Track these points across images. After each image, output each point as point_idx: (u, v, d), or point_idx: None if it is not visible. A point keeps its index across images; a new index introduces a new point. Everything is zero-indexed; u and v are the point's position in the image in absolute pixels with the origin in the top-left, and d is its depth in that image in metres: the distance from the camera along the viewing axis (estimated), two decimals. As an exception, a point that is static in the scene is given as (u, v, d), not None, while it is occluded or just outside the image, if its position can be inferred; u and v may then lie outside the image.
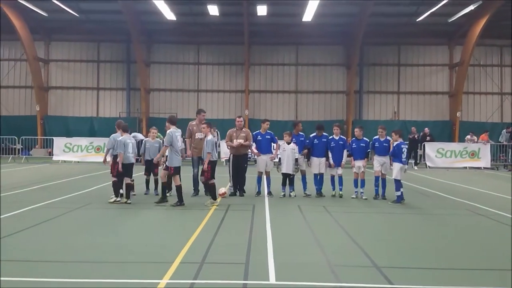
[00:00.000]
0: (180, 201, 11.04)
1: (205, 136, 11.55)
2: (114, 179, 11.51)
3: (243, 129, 13.19)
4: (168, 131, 11.27)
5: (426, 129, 26.78)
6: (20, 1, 27.63)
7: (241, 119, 13.38)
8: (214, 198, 11.29)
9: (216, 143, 11.93)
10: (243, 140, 12.87)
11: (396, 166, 12.07)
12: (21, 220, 9.12)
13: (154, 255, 6.70)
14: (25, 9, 29.40)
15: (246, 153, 13.38)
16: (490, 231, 8.99)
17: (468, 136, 27.13)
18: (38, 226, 8.62)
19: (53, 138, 27.53)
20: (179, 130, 11.59)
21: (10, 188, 13.81)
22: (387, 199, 12.47)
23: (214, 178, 11.46)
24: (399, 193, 11.98)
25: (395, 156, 12.14)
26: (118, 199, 11.44)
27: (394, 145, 12.21)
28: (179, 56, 34.81)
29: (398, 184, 12.00)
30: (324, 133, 13.14)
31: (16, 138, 27.85)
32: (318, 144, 13.00)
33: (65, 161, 25.31)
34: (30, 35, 31.69)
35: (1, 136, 28.94)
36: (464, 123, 32.60)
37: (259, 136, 13.16)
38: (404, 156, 12.11)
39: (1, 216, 9.37)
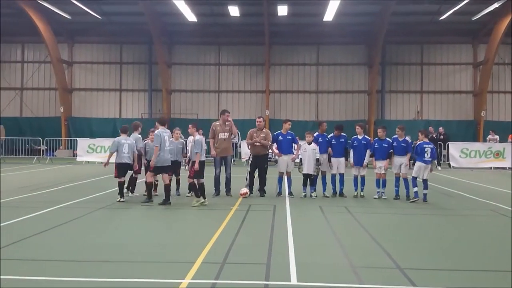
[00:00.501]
0: (149, 198, 11.42)
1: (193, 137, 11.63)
2: (119, 179, 12.02)
3: (263, 129, 13.20)
4: (156, 132, 11.50)
5: (441, 128, 26.59)
6: (44, 4, 28.12)
7: (261, 119, 13.38)
8: (203, 197, 11.27)
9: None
10: (261, 139, 12.88)
11: (416, 164, 12.32)
12: (45, 220, 9.27)
13: (176, 255, 6.74)
14: (49, 11, 29.92)
15: (266, 153, 13.35)
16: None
17: (490, 136, 26.68)
18: (62, 226, 8.73)
19: (77, 139, 27.95)
20: (168, 131, 11.78)
21: (35, 189, 14.06)
22: (411, 199, 12.39)
23: (202, 178, 11.47)
24: (415, 189, 12.14)
25: (417, 155, 12.38)
26: (122, 199, 11.76)
27: (417, 144, 12.44)
28: (200, 57, 35.00)
29: (414, 181, 12.25)
30: (342, 133, 13.08)
31: (41, 139, 28.38)
32: (335, 145, 12.94)
33: (88, 162, 25.63)
34: (54, 38, 32.24)
35: (26, 137, 29.52)
36: (488, 122, 32.01)
37: (280, 137, 13.12)
38: (427, 155, 12.15)
39: (26, 216, 9.55)
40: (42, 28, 30.77)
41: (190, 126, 11.90)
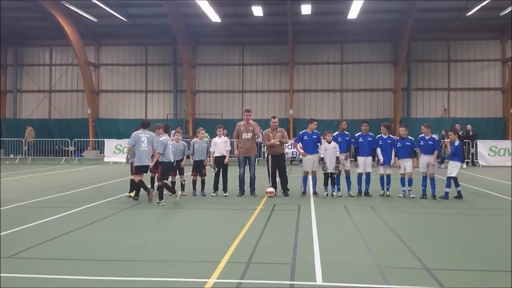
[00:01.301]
0: (136, 195, 11.72)
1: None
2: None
3: (278, 129, 13.15)
4: (132, 134, 11.86)
5: (469, 126, 26.15)
6: (71, 8, 28.63)
7: (276, 119, 13.28)
8: (173, 192, 11.54)
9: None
10: (280, 138, 12.89)
11: (457, 165, 12.28)
12: (73, 220, 9.43)
13: (202, 255, 6.78)
14: (76, 15, 30.45)
15: (283, 152, 13.32)
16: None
17: None
18: (89, 226, 8.87)
19: (104, 140, 28.38)
20: (150, 133, 11.96)
21: (64, 189, 14.34)
22: (438, 199, 12.26)
23: (167, 179, 11.63)
24: (448, 190, 12.26)
25: (456, 155, 12.36)
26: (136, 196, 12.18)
27: (456, 144, 12.42)
28: (224, 57, 35.13)
29: (449, 181, 12.25)
30: (369, 133, 12.97)
31: (69, 140, 28.92)
32: (363, 143, 12.85)
33: (115, 162, 25.99)
34: (81, 41, 32.78)
35: (55, 139, 30.13)
36: (517, 119, 31.33)
37: (305, 136, 13.02)
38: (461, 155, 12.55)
39: (55, 216, 9.74)
40: (69, 32, 31.32)
41: (160, 126, 12.40)
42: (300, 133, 13.27)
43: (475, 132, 25.95)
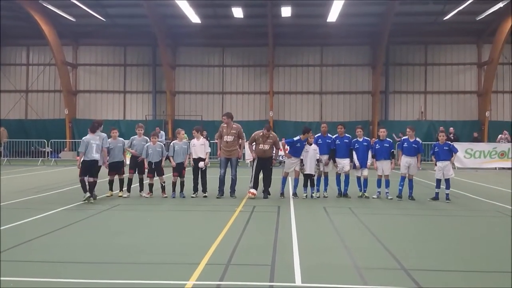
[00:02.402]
0: (84, 191, 11.68)
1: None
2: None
3: (270, 135, 13.12)
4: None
5: (451, 128, 26.56)
6: (49, 7, 28.25)
7: (270, 131, 13.17)
8: (91, 194, 11.69)
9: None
10: (268, 146, 12.90)
11: (450, 165, 12.73)
12: (50, 222, 9.31)
13: (181, 257, 6.76)
14: (54, 14, 30.05)
15: (271, 155, 13.33)
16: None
17: (501, 135, 26.50)
18: (68, 228, 8.77)
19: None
20: (100, 134, 12.35)
21: (41, 190, 14.13)
22: (415, 199, 12.43)
23: (87, 176, 11.75)
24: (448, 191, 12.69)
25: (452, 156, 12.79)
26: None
27: (452, 146, 12.81)
28: (204, 59, 35.06)
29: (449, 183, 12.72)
30: (346, 134, 13.10)
31: (46, 141, 28.51)
32: (340, 145, 12.98)
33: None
34: (59, 40, 32.37)
35: (31, 140, 29.65)
36: (493, 122, 31.94)
37: (298, 143, 12.92)
38: None
39: (35, 217, 9.63)
40: (47, 31, 30.90)
41: (140, 126, 13.51)
42: (294, 139, 13.08)
43: (456, 136, 26.31)
